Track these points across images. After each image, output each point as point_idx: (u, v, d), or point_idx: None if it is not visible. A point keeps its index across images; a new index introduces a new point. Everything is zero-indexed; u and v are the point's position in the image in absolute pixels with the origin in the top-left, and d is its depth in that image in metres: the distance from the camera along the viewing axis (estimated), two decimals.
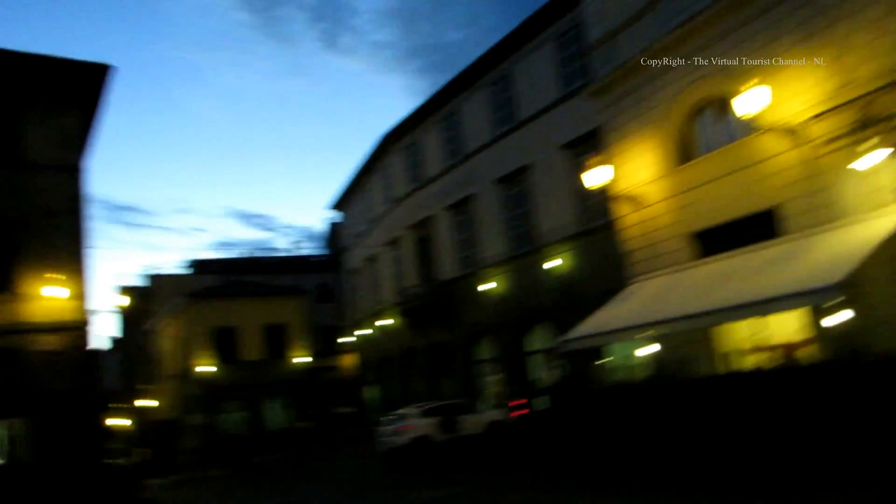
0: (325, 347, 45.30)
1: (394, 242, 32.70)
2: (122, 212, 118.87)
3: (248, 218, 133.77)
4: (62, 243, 23.96)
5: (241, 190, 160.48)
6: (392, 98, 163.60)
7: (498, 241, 25.04)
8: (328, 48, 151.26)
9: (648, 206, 15.16)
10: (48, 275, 22.88)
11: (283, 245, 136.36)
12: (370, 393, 38.19)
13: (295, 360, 37.44)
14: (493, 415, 19.87)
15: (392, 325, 32.69)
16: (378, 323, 34.27)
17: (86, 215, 24.98)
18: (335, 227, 53.65)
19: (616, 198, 15.92)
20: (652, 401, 11.32)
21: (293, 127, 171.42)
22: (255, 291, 38.41)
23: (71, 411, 22.11)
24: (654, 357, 14.59)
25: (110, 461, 38.28)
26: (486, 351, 26.67)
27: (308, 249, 62.53)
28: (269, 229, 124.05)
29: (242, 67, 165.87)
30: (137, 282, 54.42)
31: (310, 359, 38.30)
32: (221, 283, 40.68)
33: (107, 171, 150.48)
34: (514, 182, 24.42)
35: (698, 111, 14.60)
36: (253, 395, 35.68)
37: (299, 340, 37.97)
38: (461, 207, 27.35)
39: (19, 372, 22.16)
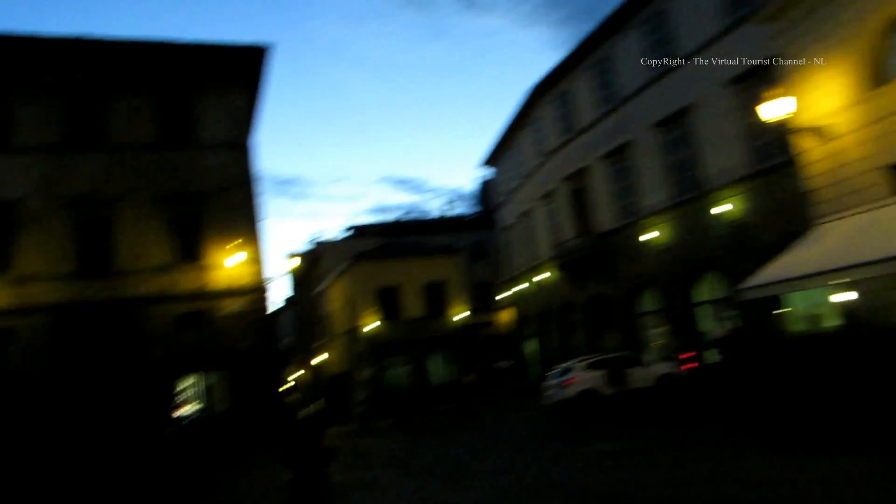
0: (481, 304, 45.92)
1: (548, 196, 32.18)
2: (287, 185, 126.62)
3: (401, 182, 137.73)
4: (238, 215, 25.79)
5: (393, 156, 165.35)
6: (534, 52, 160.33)
7: (658, 188, 23.85)
8: (467, 8, 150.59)
9: (836, 137, 13.65)
10: (229, 245, 24.79)
11: (435, 207, 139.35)
12: (528, 347, 38.32)
13: (454, 317, 38.23)
14: (662, 368, 19.15)
15: (549, 279, 32.41)
16: (535, 278, 34.14)
17: (257, 188, 26.75)
18: (486, 185, 53.76)
19: (797, 132, 14.48)
20: (845, 353, 10.26)
21: (438, 90, 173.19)
22: (414, 251, 39.50)
23: (256, 367, 24.02)
24: (847, 305, 13.28)
25: (291, 411, 41.22)
26: (649, 303, 25.74)
27: (460, 209, 63.74)
28: (421, 192, 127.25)
29: (386, 37, 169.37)
30: (305, 248, 57.98)
31: (468, 315, 38.96)
32: (381, 245, 42.22)
33: (271, 147, 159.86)
34: (675, 125, 23.04)
35: (893, 26, 12.84)
36: (416, 350, 36.97)
37: (457, 297, 38.68)
38: (617, 156, 26.28)
39: (210, 332, 24.29)
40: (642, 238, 24.07)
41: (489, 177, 48.16)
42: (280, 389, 25.18)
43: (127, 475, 18.02)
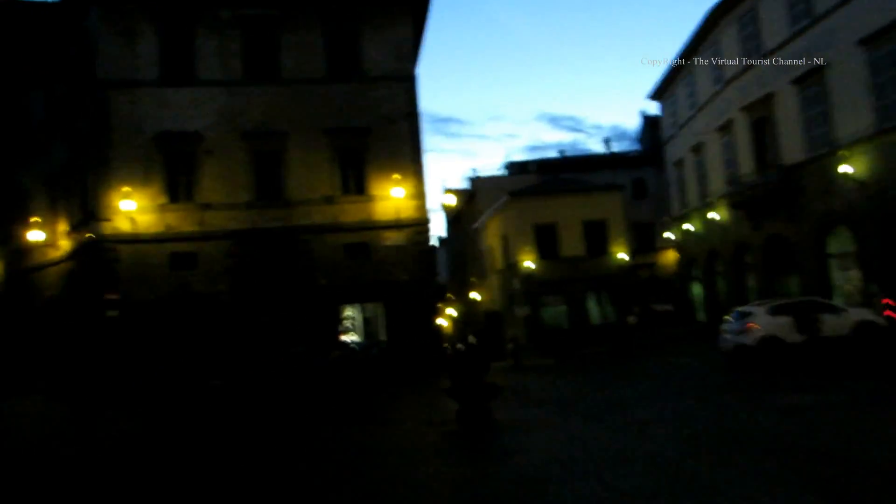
0: (641, 245, 43.99)
1: (724, 127, 29.57)
2: (443, 123, 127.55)
3: (558, 120, 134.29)
4: (401, 148, 25.86)
5: (550, 93, 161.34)
6: None
7: (861, 114, 20.95)
8: None
9: None
10: (391, 177, 25.00)
11: (593, 145, 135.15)
12: (693, 291, 36.25)
13: (613, 257, 36.82)
14: (861, 314, 17.04)
15: (720, 218, 30.10)
16: (704, 217, 31.89)
17: (419, 121, 26.63)
18: (649, 121, 50.82)
19: None
20: None
21: (599, 24, 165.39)
22: (573, 188, 38.21)
23: (414, 299, 24.33)
24: None
25: (447, 345, 41.93)
26: (839, 244, 23.11)
27: (619, 147, 60.93)
28: (579, 130, 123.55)
29: None
30: (460, 186, 58.11)
31: (627, 256, 37.38)
32: (539, 182, 41.26)
33: (427, 85, 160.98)
34: (887, 39, 19.95)
35: None
36: (573, 289, 36.10)
37: (617, 237, 37.15)
38: (810, 79, 23.38)
39: (372, 263, 24.84)
40: (837, 171, 21.42)
41: (653, 112, 45.43)
42: (437, 323, 25.43)
43: (298, 392, 18.93)
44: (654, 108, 45.99)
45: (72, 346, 24.56)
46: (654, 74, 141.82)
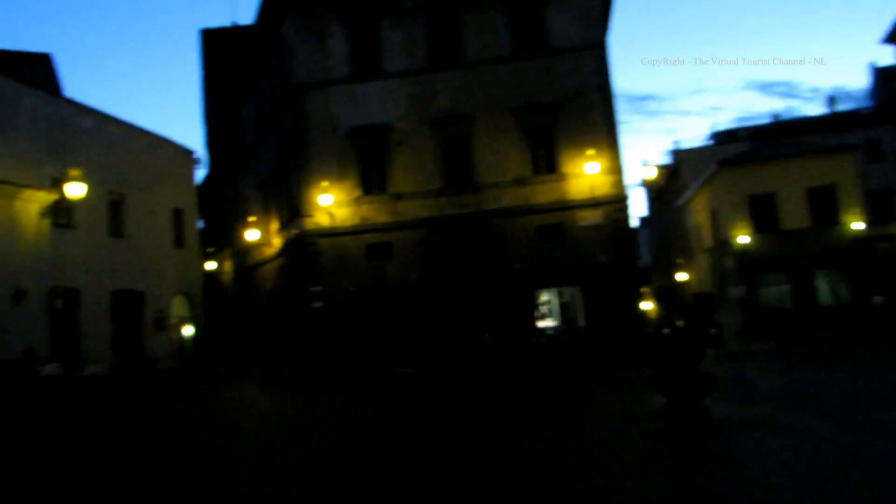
0: (877, 214, 37.99)
1: None
2: (641, 102, 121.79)
3: (769, 87, 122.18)
4: (594, 121, 24.14)
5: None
6: None
7: None
8: None
9: None
10: (585, 153, 23.49)
11: (811, 111, 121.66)
12: None
13: (846, 227, 32.09)
14: None
15: None
16: None
17: (612, 91, 24.79)
18: (882, 74, 43.98)
19: None
20: None
21: None
22: (794, 151, 33.66)
23: (613, 281, 22.62)
24: None
25: (652, 331, 39.22)
26: None
27: (844, 108, 53.55)
28: (793, 96, 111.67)
29: None
30: (661, 161, 54.52)
31: (863, 225, 32.39)
32: (752, 147, 37.14)
33: (623, 63, 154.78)
34: None
35: None
36: (797, 266, 31.93)
37: (850, 204, 32.32)
38: None
39: (566, 245, 23.53)
40: None
41: (886, 63, 39.10)
42: (638, 307, 23.50)
43: (490, 382, 18.22)
44: (887, 57, 39.45)
45: (284, 336, 26.02)
46: (883, 20, 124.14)
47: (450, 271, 23.66)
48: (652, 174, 40.65)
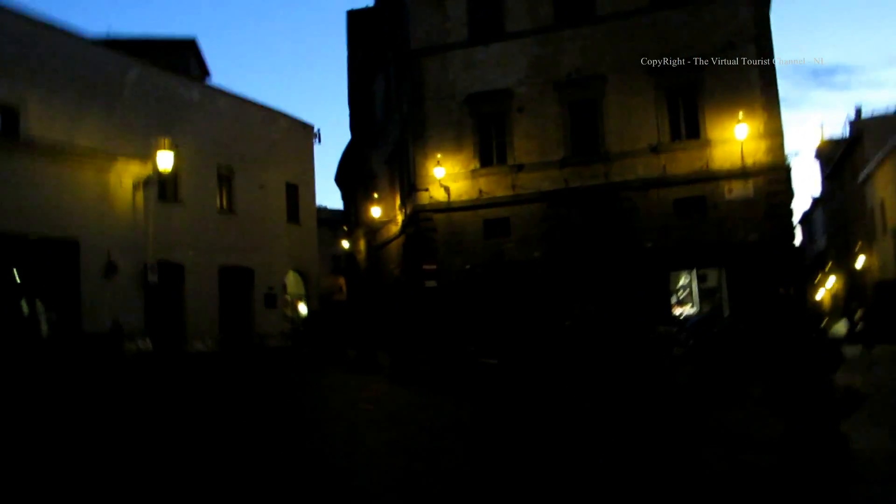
0: None
1: None
2: (827, 75, 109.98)
3: None
4: (747, 78, 20.66)
5: None
6: None
7: None
8: None
9: None
10: (736, 114, 20.15)
11: None
12: None
13: None
14: None
15: None
16: None
17: (771, 43, 21.11)
18: None
19: None
20: None
21: None
22: None
23: (764, 265, 19.17)
24: None
25: (822, 325, 34.03)
26: None
27: None
28: None
29: None
30: (840, 133, 47.96)
31: None
32: None
33: (805, 34, 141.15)
34: None
35: None
36: None
37: None
38: None
39: (709, 221, 20.33)
40: None
41: None
42: (798, 296, 19.70)
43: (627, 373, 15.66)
44: None
45: (408, 319, 24.84)
46: None
47: (574, 250, 21.29)
48: (821, 140, 35.23)
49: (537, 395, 11.09)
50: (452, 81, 23.50)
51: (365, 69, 35.16)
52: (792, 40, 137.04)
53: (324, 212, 54.20)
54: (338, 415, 10.78)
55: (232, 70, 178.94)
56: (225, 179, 21.23)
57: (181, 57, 24.22)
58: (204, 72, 26.29)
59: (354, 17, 39.36)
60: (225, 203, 21.26)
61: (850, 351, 17.23)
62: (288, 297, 24.18)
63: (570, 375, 11.68)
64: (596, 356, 12.02)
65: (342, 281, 43.94)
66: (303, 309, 25.47)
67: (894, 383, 12.26)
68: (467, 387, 12.10)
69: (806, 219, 68.74)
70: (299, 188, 24.69)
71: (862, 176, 37.72)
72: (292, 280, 24.73)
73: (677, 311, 20.94)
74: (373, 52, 32.86)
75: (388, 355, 17.16)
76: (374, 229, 32.07)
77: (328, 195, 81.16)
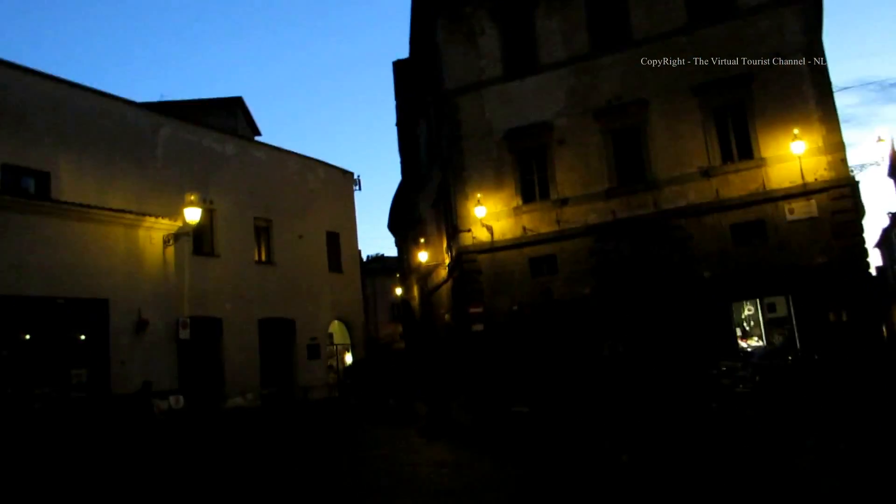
0: None
1: None
2: (891, 89, 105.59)
3: None
4: (800, 90, 19.32)
5: None
6: None
7: None
8: None
9: None
10: (791, 130, 18.82)
11: None
12: None
13: None
14: None
15: None
16: None
17: (823, 52, 19.77)
18: None
19: None
20: None
21: None
22: None
23: (834, 290, 17.50)
24: None
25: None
26: None
27: None
28: None
29: None
30: None
31: None
32: None
33: (869, 46, 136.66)
34: None
35: None
36: None
37: None
38: None
39: (771, 246, 18.82)
40: None
41: None
42: (872, 321, 17.89)
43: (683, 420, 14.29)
44: None
45: (451, 365, 23.97)
46: None
47: (625, 284, 20.10)
48: (888, 152, 33.01)
49: (567, 445, 10.03)
50: (489, 119, 22.96)
51: (409, 116, 35.17)
52: (853, 57, 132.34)
53: (381, 260, 54.33)
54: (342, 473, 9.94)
55: (290, 130, 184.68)
56: (263, 231, 21.05)
57: (229, 116, 24.54)
58: (253, 129, 26.58)
59: (400, 67, 39.77)
60: (263, 254, 21.01)
61: None
62: (332, 348, 23.61)
63: (600, 423, 10.56)
64: (624, 402, 10.85)
65: (400, 329, 43.59)
66: (349, 359, 24.86)
67: None
68: (500, 439, 11.11)
69: (885, 239, 64.79)
70: (340, 236, 24.33)
71: None
72: (337, 329, 24.20)
73: (742, 344, 19.36)
74: (415, 98, 32.84)
75: (426, 405, 16.23)
76: (425, 275, 31.55)
77: (386, 243, 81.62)
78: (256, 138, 24.95)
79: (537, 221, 21.84)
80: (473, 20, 23.60)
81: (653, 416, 10.77)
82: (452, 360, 23.51)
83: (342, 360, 24.68)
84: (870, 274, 18.61)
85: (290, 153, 23.26)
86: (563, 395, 12.67)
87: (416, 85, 32.16)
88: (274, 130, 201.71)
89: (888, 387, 14.21)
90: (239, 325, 19.23)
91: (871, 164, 35.28)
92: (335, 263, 23.97)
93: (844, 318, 16.88)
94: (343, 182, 25.55)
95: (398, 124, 39.79)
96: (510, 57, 23.07)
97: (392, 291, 39.19)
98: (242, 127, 24.79)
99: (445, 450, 11.75)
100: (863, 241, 18.26)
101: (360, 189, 26.27)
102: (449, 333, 26.11)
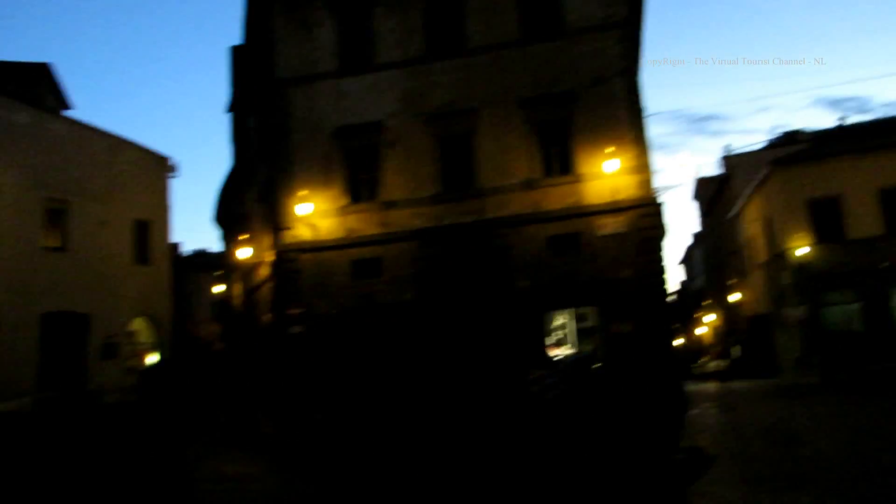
0: None
1: None
2: (703, 122, 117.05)
3: (838, 103, 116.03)
4: (616, 113, 20.47)
5: (827, 75, 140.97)
6: None
7: None
8: None
9: None
10: (606, 149, 19.82)
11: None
12: None
13: None
14: None
15: None
16: None
17: (639, 77, 21.12)
18: None
19: None
20: None
21: None
22: (863, 147, 28.61)
23: (639, 302, 18.70)
24: None
25: (697, 365, 34.48)
26: None
27: None
28: (866, 111, 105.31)
29: None
30: (713, 172, 50.01)
31: None
32: (811, 144, 32.53)
33: (684, 83, 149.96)
34: None
35: None
36: (868, 281, 27.23)
37: None
38: None
39: (583, 258, 19.74)
40: None
41: None
42: (665, 334, 19.29)
43: (494, 425, 14.40)
44: None
45: (269, 369, 22.89)
46: None
47: (447, 290, 20.18)
48: (693, 178, 36.24)
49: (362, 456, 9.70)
50: (321, 113, 22.22)
51: (242, 104, 33.44)
52: (670, 91, 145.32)
53: (204, 255, 51.43)
54: None
55: (119, 111, 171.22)
56: (57, 213, 18.78)
57: (33, 84, 21.77)
58: (61, 102, 23.67)
59: (238, 53, 37.69)
60: (57, 240, 18.78)
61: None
62: (133, 347, 21.70)
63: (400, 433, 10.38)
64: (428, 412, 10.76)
65: (219, 329, 41.32)
66: (155, 359, 23.02)
67: (771, 422, 11.63)
68: (299, 449, 10.53)
69: (688, 257, 71.41)
70: (151, 225, 22.43)
71: (731, 213, 39.08)
72: (144, 327, 22.29)
73: (556, 352, 20.11)
74: (248, 86, 31.25)
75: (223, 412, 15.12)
76: (248, 272, 30.04)
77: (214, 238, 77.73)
78: (67, 113, 22.39)
79: (364, 223, 21.41)
80: (311, 10, 22.79)
81: (455, 426, 10.72)
82: (269, 363, 22.46)
83: (144, 360, 22.74)
84: (665, 290, 20.05)
85: (97, 130, 21.05)
86: (369, 402, 12.36)
87: (250, 72, 30.64)
88: (98, 109, 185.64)
89: (663, 394, 15.41)
90: (14, 320, 16.97)
91: (676, 187, 38.26)
92: (143, 255, 22.03)
93: (626, 330, 18.08)
94: (157, 167, 23.61)
95: (231, 111, 37.80)
96: (347, 52, 22.50)
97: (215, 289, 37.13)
98: (49, 98, 22.15)
99: (240, 461, 10.94)
100: (661, 259, 19.59)
101: (175, 175, 24.42)
102: (268, 335, 25.00)
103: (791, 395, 19.01)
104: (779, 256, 30.01)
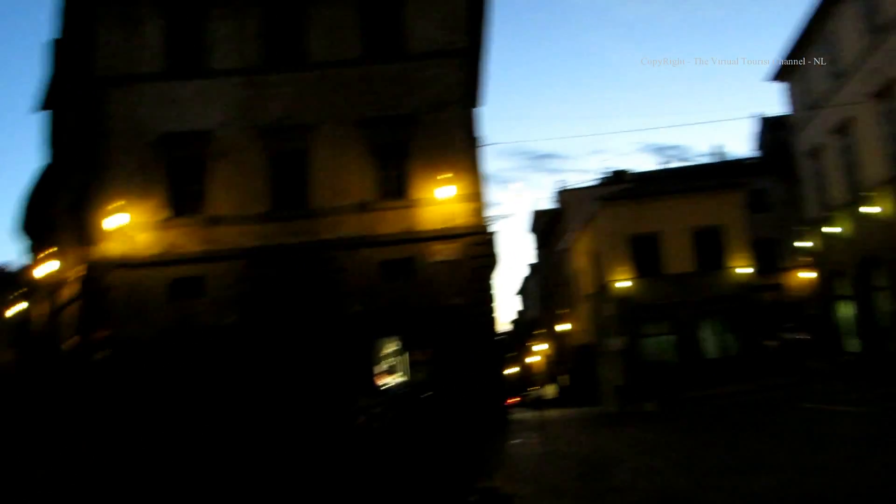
0: (762, 265, 36.36)
1: (885, 93, 22.39)
2: (545, 159, 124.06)
3: (662, 150, 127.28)
4: (453, 139, 20.51)
5: (655, 123, 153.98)
6: None
7: None
8: None
9: None
10: (440, 176, 19.75)
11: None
12: (839, 312, 28.64)
13: (731, 272, 29.84)
14: None
15: (882, 212, 22.86)
16: (856, 214, 24.63)
17: (477, 105, 21.38)
18: (768, 124, 43.40)
19: None
20: None
21: (704, 47, 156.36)
22: (680, 189, 31.24)
23: (469, 330, 18.66)
24: None
25: (526, 393, 35.27)
26: None
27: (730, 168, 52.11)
28: (686, 160, 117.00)
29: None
30: (549, 206, 52.18)
31: (750, 270, 30.24)
32: (635, 184, 34.83)
33: (529, 122, 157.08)
34: None
35: None
36: (682, 314, 29.31)
37: (736, 248, 30.17)
38: None
39: (416, 284, 19.46)
40: None
41: (772, 114, 38.16)
42: (498, 363, 19.47)
43: (318, 458, 13.55)
44: (772, 107, 38.36)
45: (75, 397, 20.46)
46: (769, 90, 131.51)
47: (275, 313, 19.07)
48: (524, 201, 37.50)
49: None
50: (143, 118, 20.52)
51: (57, 103, 30.39)
52: (512, 126, 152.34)
53: (2, 272, 46.06)
54: None
55: None
56: None
57: None
58: None
59: (58, 47, 34.41)
60: None
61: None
62: None
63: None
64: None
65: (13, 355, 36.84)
66: None
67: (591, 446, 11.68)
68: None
69: (524, 287, 74.07)
70: None
71: (562, 245, 40.80)
72: None
73: (386, 380, 19.58)
74: (63, 83, 28.42)
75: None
76: (53, 290, 26.98)
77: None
78: None
79: (186, 238, 19.89)
80: (138, 4, 21.07)
81: (271, 461, 9.86)
82: (67, 394, 20.08)
83: None
84: (493, 318, 20.23)
85: None
86: (174, 437, 11.16)
87: (68, 68, 27.90)
88: None
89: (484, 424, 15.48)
90: None
91: (508, 216, 39.23)
92: None
93: (422, 359, 18.18)
94: None
95: (46, 109, 34.35)
96: (176, 53, 21.03)
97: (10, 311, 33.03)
98: None
99: None
100: (491, 287, 19.74)
101: None
102: (71, 362, 22.43)
103: (613, 424, 19.66)
104: (603, 288, 31.55)
